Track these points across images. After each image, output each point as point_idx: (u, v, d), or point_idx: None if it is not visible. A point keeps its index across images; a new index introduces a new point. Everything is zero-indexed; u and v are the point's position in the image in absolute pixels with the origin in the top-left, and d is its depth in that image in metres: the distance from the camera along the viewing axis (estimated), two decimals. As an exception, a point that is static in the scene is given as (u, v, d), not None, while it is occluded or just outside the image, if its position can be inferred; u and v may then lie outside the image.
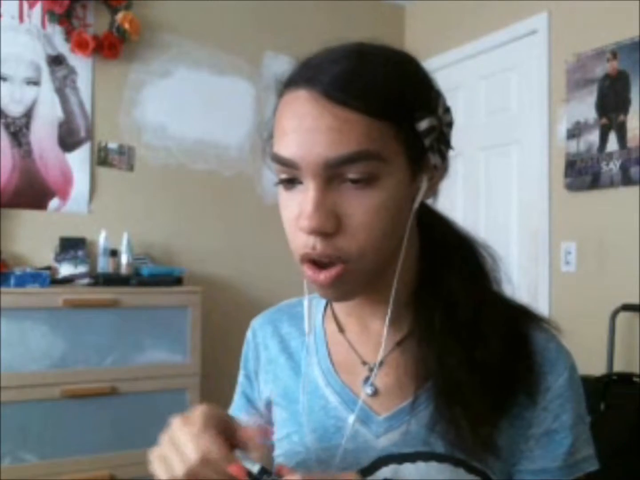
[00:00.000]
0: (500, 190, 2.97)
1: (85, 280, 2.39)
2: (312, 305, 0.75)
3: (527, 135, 2.84)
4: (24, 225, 2.51)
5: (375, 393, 0.66)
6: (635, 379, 2.08)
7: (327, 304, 0.76)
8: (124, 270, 2.51)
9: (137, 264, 2.57)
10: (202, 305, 2.47)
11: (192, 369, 2.42)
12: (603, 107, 2.49)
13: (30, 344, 2.13)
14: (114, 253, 2.54)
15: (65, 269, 2.45)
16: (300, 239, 0.59)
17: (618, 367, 2.27)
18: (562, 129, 2.65)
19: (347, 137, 0.55)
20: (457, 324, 0.63)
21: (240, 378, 0.81)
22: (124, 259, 2.53)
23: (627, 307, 2.30)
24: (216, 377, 2.55)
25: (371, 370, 0.67)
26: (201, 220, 2.89)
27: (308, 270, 0.60)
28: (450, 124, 0.63)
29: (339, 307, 0.73)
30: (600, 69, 2.50)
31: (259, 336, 0.78)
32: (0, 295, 2.08)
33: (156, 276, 2.46)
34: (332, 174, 0.57)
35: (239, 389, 0.81)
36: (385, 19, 3.50)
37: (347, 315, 0.72)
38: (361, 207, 0.57)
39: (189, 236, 2.87)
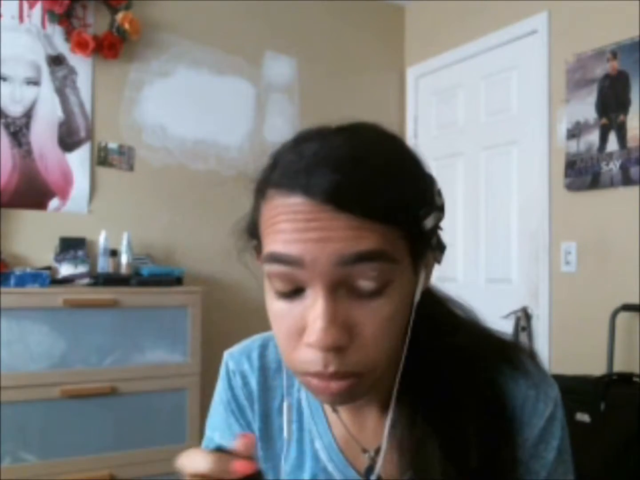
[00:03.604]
0: (500, 190, 2.97)
1: (85, 280, 2.39)
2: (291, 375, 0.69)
3: (527, 135, 2.84)
4: (24, 225, 2.51)
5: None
6: (635, 379, 2.08)
7: None
8: (124, 270, 2.51)
9: (137, 264, 2.57)
10: (202, 305, 2.47)
11: (192, 369, 2.42)
12: (603, 107, 2.49)
13: (30, 344, 2.13)
14: (114, 253, 2.54)
15: (65, 269, 2.45)
16: (306, 355, 0.53)
17: (618, 367, 2.27)
18: (562, 129, 2.65)
19: (364, 237, 0.50)
20: (439, 423, 0.60)
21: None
22: (124, 259, 2.52)
23: (627, 307, 2.30)
24: (216, 377, 2.54)
25: (372, 458, 0.65)
26: (201, 220, 2.89)
27: (315, 382, 0.54)
28: (443, 206, 0.59)
29: None
30: (600, 69, 2.50)
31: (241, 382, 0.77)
32: (0, 295, 2.08)
33: (156, 276, 2.46)
34: (342, 278, 0.51)
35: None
36: (385, 19, 3.50)
37: None
38: (373, 317, 0.53)
39: (189, 236, 2.87)
